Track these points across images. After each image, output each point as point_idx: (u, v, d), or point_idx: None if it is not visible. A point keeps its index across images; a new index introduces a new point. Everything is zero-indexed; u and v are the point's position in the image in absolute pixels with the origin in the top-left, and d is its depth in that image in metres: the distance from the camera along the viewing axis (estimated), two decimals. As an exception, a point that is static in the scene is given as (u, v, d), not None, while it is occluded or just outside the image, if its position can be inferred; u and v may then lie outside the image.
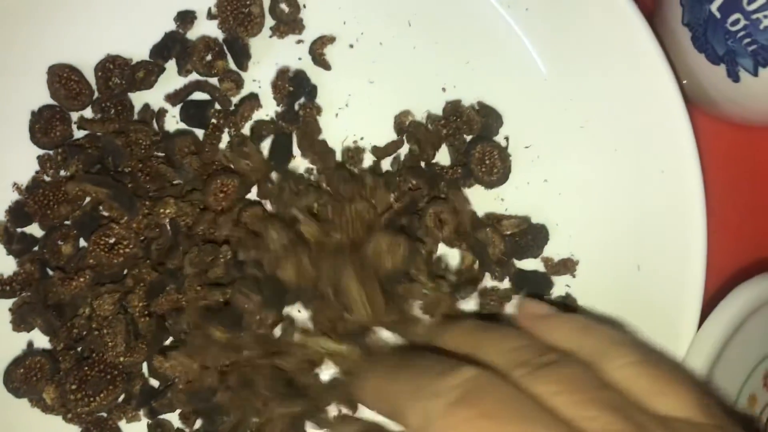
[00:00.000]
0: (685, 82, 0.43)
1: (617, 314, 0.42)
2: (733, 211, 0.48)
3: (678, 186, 0.41)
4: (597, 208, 0.43)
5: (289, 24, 0.44)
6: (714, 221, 0.44)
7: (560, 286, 0.43)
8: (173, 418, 0.41)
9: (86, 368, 0.39)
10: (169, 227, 0.41)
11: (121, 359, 0.38)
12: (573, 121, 0.43)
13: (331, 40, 0.44)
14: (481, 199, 0.43)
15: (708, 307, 0.40)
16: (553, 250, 0.43)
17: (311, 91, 0.44)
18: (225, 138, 0.43)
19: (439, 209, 0.41)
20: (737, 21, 0.36)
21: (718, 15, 0.38)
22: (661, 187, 0.41)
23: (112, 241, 0.40)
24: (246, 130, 0.43)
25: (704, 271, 0.40)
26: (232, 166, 0.42)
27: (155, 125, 0.43)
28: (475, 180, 0.43)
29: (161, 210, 0.40)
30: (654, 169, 0.41)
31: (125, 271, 0.40)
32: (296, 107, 0.43)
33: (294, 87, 0.43)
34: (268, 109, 0.44)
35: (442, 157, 0.44)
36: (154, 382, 0.41)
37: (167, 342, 0.39)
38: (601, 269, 0.43)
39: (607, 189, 0.43)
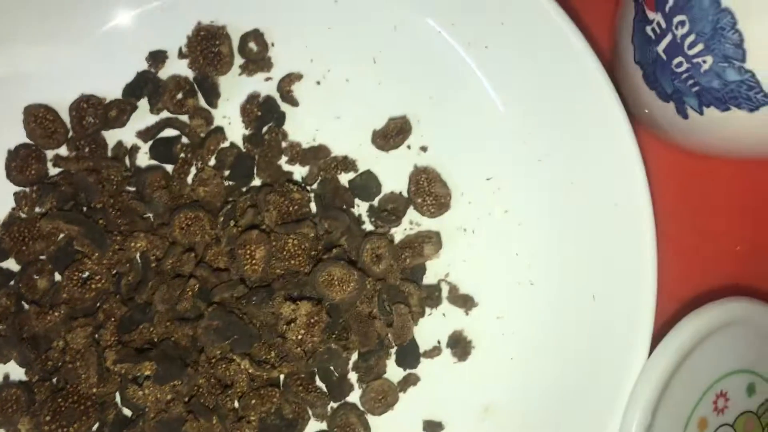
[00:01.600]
0: (646, 111, 0.45)
1: (572, 341, 0.43)
2: (690, 237, 0.49)
3: (630, 219, 0.42)
4: (555, 238, 0.45)
5: (257, 62, 0.46)
6: (671, 247, 0.46)
7: (518, 311, 0.45)
8: (146, 446, 0.42)
9: (60, 400, 0.40)
10: (139, 261, 0.42)
11: (94, 390, 0.40)
12: (531, 155, 0.45)
13: (298, 77, 0.46)
14: (444, 229, 0.45)
15: (663, 330, 0.41)
16: (513, 277, 0.45)
17: (279, 117, 0.45)
18: (193, 172, 0.45)
19: (375, 245, 0.42)
20: (681, 63, 0.38)
21: (664, 57, 0.39)
22: (615, 220, 0.43)
23: (85, 275, 0.41)
24: (212, 163, 0.45)
25: (654, 301, 0.42)
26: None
27: (128, 161, 0.44)
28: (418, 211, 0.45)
29: (132, 244, 0.41)
30: (608, 201, 0.43)
31: (97, 305, 0.41)
32: (263, 131, 0.45)
33: (262, 112, 0.45)
34: (235, 140, 0.45)
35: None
36: (128, 412, 0.42)
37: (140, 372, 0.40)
38: (558, 297, 0.44)
39: (564, 220, 0.44)
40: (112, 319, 0.41)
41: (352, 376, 0.44)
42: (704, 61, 0.37)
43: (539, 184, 0.45)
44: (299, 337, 0.40)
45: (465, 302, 0.45)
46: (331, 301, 0.41)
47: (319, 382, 0.43)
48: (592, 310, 0.43)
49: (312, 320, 0.40)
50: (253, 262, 0.41)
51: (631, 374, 0.41)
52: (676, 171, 0.49)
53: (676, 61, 0.39)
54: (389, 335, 0.43)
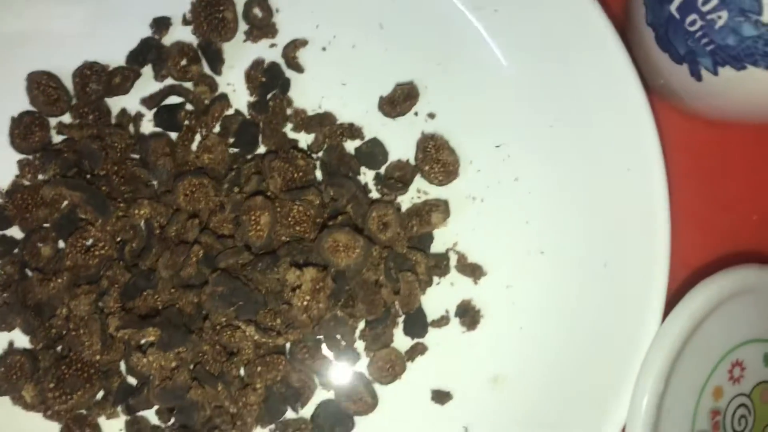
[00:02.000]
0: (662, 82, 0.44)
1: (582, 310, 0.42)
2: (704, 206, 0.48)
3: (643, 184, 0.41)
4: (565, 205, 0.44)
5: (262, 28, 0.45)
6: (684, 216, 0.45)
7: (525, 283, 0.44)
8: (150, 414, 0.42)
9: (64, 367, 0.40)
10: (143, 228, 0.42)
11: (98, 358, 0.39)
12: (542, 121, 0.44)
13: (303, 43, 0.45)
14: (453, 198, 0.44)
15: (676, 298, 0.41)
16: (522, 246, 0.44)
17: (284, 83, 0.45)
18: (197, 139, 0.44)
19: (382, 212, 0.42)
20: (694, 21, 0.37)
21: (677, 16, 0.38)
22: (627, 186, 0.42)
23: (89, 243, 0.41)
24: (216, 130, 0.44)
25: (668, 267, 0.41)
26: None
27: (131, 129, 0.44)
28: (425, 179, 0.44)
29: (136, 211, 0.41)
30: (620, 167, 0.42)
31: (101, 273, 0.41)
32: (267, 98, 0.44)
33: (267, 78, 0.44)
34: (240, 107, 0.45)
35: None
36: (132, 380, 0.42)
37: (144, 340, 0.40)
38: (569, 265, 0.43)
39: (575, 187, 0.43)
40: (116, 286, 0.40)
41: (359, 345, 0.43)
42: (719, 17, 0.35)
43: (550, 151, 0.44)
44: (304, 303, 0.39)
45: (473, 271, 0.44)
46: (336, 267, 0.40)
47: (325, 351, 0.43)
48: (604, 278, 0.42)
49: (317, 286, 0.39)
50: (258, 227, 0.40)
51: (644, 342, 0.40)
52: (691, 139, 0.48)
53: (689, 19, 0.37)
54: (396, 303, 0.42)
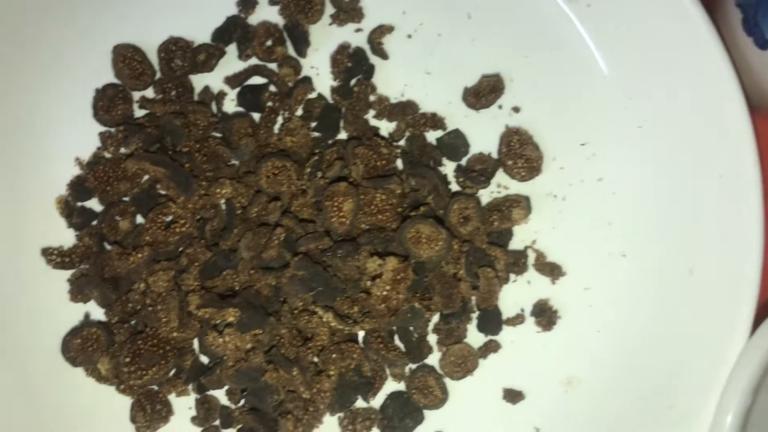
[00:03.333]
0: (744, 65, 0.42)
1: (664, 317, 0.41)
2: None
3: (736, 191, 0.40)
4: (650, 208, 0.43)
5: (348, 12, 0.44)
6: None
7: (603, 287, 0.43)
8: (220, 394, 0.42)
9: (140, 342, 0.39)
10: (224, 208, 0.41)
11: (174, 334, 0.39)
12: (631, 120, 0.43)
13: (389, 29, 0.44)
14: (534, 195, 0.43)
15: (766, 312, 0.39)
16: (604, 247, 0.43)
17: (368, 69, 0.44)
18: (279, 121, 0.44)
19: (463, 205, 0.41)
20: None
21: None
22: (719, 191, 0.40)
23: (168, 219, 0.41)
24: (299, 113, 0.44)
25: (759, 278, 0.39)
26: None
27: (214, 107, 0.44)
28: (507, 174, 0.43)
29: (217, 190, 0.41)
30: (712, 172, 0.41)
31: (180, 250, 0.41)
32: (351, 83, 0.44)
33: (353, 63, 0.43)
34: (322, 92, 0.44)
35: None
36: (204, 359, 0.42)
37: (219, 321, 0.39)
38: (652, 270, 0.42)
39: (662, 190, 0.42)
40: (196, 264, 0.40)
41: (431, 339, 0.43)
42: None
43: (638, 151, 0.43)
44: (384, 293, 0.39)
45: (552, 271, 0.43)
46: (418, 258, 0.39)
47: (397, 342, 0.42)
48: (689, 285, 0.41)
49: (398, 277, 0.39)
50: (341, 214, 0.39)
51: (730, 356, 0.39)
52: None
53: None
54: (474, 299, 0.41)
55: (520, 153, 0.43)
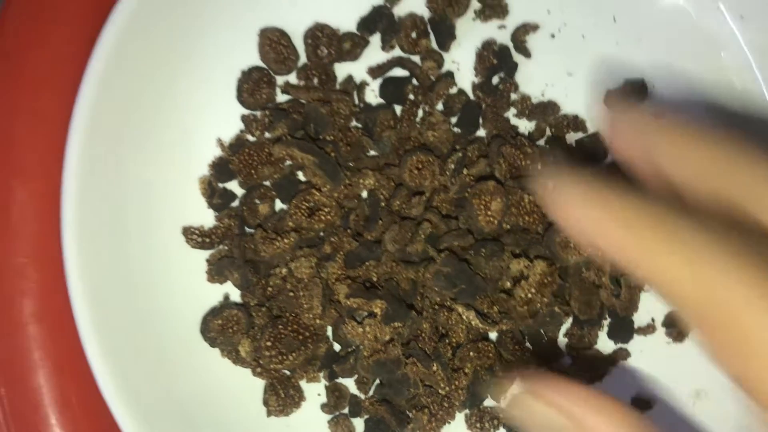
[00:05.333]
0: None
1: None
2: None
3: None
4: None
5: (494, 8, 0.44)
6: None
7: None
8: (349, 382, 0.42)
9: (281, 326, 0.40)
10: (367, 199, 0.41)
11: (317, 321, 0.40)
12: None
13: (534, 28, 0.44)
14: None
15: None
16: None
17: (511, 67, 0.44)
18: (419, 115, 0.44)
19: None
20: None
21: None
22: None
23: (310, 206, 0.41)
24: (439, 108, 0.44)
25: None
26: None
27: (356, 97, 0.43)
28: None
29: (361, 181, 0.41)
30: None
31: (321, 237, 0.41)
32: (494, 81, 0.44)
33: (498, 60, 0.43)
34: (462, 87, 0.44)
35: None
36: (337, 347, 0.42)
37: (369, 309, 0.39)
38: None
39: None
40: (340, 253, 0.40)
41: (560, 342, 0.43)
42: None
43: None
44: (529, 295, 0.39)
45: (685, 282, 0.43)
46: (565, 263, 0.39)
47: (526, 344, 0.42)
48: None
49: (545, 280, 0.39)
50: (488, 213, 0.39)
51: None
52: None
53: None
54: (616, 306, 0.41)
55: None
